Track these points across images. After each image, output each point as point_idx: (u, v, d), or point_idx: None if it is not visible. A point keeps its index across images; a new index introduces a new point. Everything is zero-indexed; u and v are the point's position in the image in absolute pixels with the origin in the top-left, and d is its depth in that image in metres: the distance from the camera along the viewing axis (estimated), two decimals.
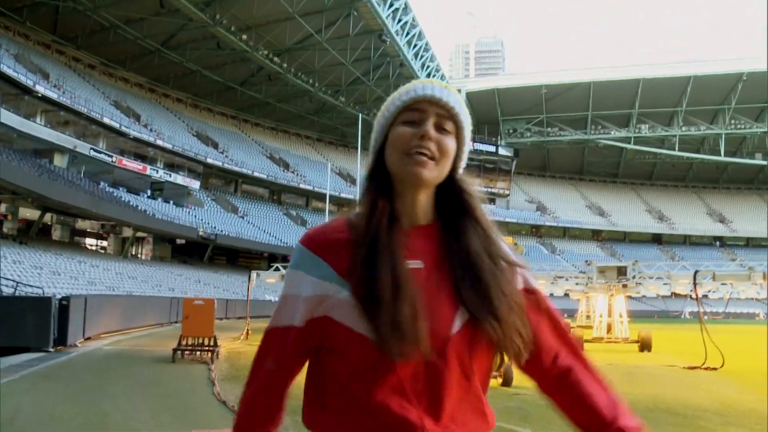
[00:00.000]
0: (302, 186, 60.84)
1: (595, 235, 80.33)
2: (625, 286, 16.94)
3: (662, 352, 15.61)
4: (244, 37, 50.35)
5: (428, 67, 63.87)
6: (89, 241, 49.30)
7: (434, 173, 1.18)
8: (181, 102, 59.86)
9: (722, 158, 76.96)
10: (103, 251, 47.33)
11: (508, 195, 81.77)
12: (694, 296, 13.30)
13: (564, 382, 1.21)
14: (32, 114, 38.96)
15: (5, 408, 7.25)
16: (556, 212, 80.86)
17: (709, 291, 38.65)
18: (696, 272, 13.24)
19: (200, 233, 45.31)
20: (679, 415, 7.46)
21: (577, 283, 17.79)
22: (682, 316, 63.30)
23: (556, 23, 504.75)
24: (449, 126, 1.20)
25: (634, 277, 16.77)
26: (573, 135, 79.28)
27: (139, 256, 48.53)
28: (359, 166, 49.62)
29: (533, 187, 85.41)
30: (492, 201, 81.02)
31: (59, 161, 40.51)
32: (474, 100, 78.25)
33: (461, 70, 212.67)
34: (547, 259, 67.88)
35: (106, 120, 43.78)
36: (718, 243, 79.11)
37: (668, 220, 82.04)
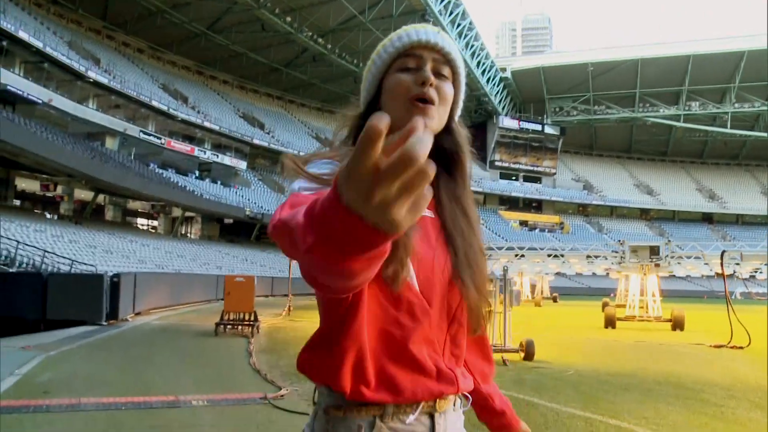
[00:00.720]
0: None
1: (644, 214, 79.25)
2: (657, 265, 16.99)
3: (695, 330, 15.58)
4: (288, 19, 50.89)
5: (473, 46, 63.53)
6: (140, 221, 50.89)
7: (436, 120, 1.16)
8: (227, 84, 60.87)
9: None
10: (153, 230, 48.80)
11: (555, 173, 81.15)
12: (722, 275, 13.33)
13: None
14: (85, 99, 40.23)
15: (63, 373, 8.05)
16: (603, 191, 79.92)
17: (756, 271, 38.08)
18: (723, 252, 13.32)
19: (247, 213, 46.27)
20: (686, 389, 7.69)
21: (612, 263, 17.87)
22: (732, 297, 62.20)
23: None
24: (446, 71, 1.18)
25: (666, 256, 16.82)
26: (620, 113, 77.93)
27: (188, 235, 49.86)
28: None
29: (580, 165, 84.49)
30: (538, 179, 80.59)
31: (111, 144, 41.89)
32: (519, 78, 77.62)
33: (508, 48, 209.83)
34: (594, 238, 67.14)
35: (154, 103, 44.91)
36: None
37: (720, 199, 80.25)
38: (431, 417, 1.12)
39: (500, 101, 77.39)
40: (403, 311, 1.08)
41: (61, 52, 37.32)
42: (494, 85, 73.76)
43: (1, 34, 32.47)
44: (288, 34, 52.74)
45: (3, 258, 20.31)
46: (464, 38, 60.88)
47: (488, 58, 69.01)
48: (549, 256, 27.99)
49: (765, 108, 73.62)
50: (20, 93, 33.34)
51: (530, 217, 77.73)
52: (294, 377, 7.64)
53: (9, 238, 21.78)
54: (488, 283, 1.22)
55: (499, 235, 67.88)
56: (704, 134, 79.24)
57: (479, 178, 76.40)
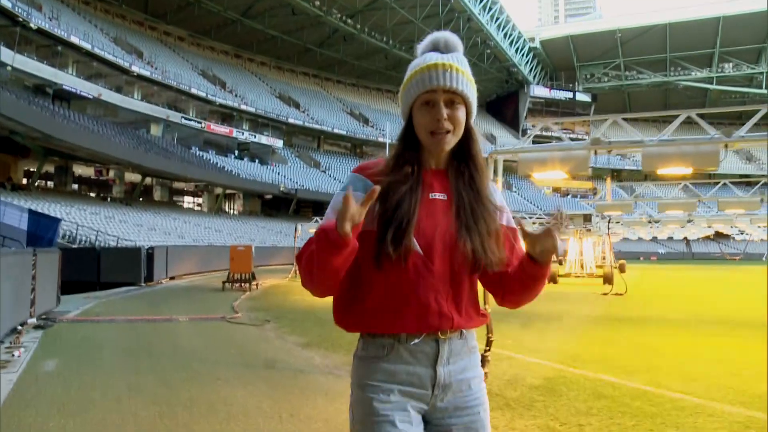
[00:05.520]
0: (380, 139, 62.33)
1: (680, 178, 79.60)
2: (589, 230, 20.08)
3: (619, 284, 18.13)
4: (317, 2, 54.08)
5: (498, 19, 65.21)
6: (187, 199, 55.04)
7: (452, 142, 1.55)
8: (264, 65, 64.41)
9: None
10: (198, 208, 52.93)
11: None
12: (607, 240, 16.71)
13: (509, 273, 1.59)
14: (130, 90, 44.39)
15: (108, 309, 12.36)
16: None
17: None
18: (609, 219, 16.55)
19: (281, 189, 49.80)
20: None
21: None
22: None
23: None
24: (458, 99, 1.52)
25: (597, 223, 19.81)
26: (652, 78, 78.70)
27: (230, 211, 53.80)
28: None
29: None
30: None
31: (155, 130, 46.09)
32: (549, 47, 78.82)
33: (551, 11, 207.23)
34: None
35: (194, 90, 48.79)
36: None
37: (757, 160, 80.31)
38: (437, 342, 1.53)
39: (530, 70, 78.89)
40: (410, 270, 1.50)
41: (107, 50, 41.44)
42: (523, 55, 75.31)
43: (57, 39, 36.84)
44: (318, 17, 55.92)
45: (67, 237, 25.10)
46: (488, 11, 62.70)
47: (515, 30, 70.48)
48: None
49: None
50: (74, 90, 37.85)
51: (563, 183, 79.25)
52: (257, 311, 11.74)
53: (70, 221, 26.57)
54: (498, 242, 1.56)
55: (532, 202, 70.01)
56: (741, 96, 79.16)
57: (512, 146, 78.06)
